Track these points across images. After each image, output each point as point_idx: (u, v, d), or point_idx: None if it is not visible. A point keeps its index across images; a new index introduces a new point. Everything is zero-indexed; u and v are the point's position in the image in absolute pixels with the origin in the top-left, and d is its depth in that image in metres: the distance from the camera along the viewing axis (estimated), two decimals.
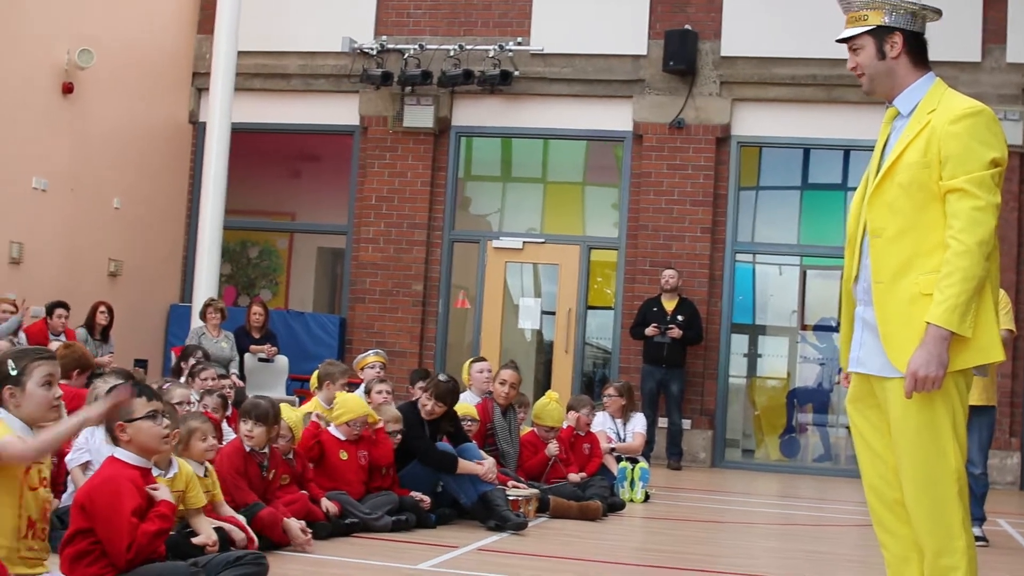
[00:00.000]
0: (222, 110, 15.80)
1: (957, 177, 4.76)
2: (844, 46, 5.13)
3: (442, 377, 10.03)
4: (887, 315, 4.88)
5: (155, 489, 5.62)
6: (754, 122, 17.16)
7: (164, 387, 8.93)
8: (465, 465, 9.57)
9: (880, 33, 5.03)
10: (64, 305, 14.40)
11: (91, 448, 7.31)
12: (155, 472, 5.97)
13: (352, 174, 18.32)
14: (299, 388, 15.32)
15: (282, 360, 15.65)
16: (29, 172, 15.50)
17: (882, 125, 5.18)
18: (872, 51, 5.05)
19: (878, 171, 5.04)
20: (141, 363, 16.35)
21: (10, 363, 5.13)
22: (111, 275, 16.96)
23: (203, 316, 14.97)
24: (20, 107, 15.23)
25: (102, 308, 15.14)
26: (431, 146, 17.90)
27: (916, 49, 5.06)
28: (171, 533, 5.85)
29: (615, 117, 17.47)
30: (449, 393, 9.86)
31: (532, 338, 18.20)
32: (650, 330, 16.18)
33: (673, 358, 16.21)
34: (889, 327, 4.87)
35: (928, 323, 4.71)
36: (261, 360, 15.38)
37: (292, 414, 8.73)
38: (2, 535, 4.88)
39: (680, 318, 16.26)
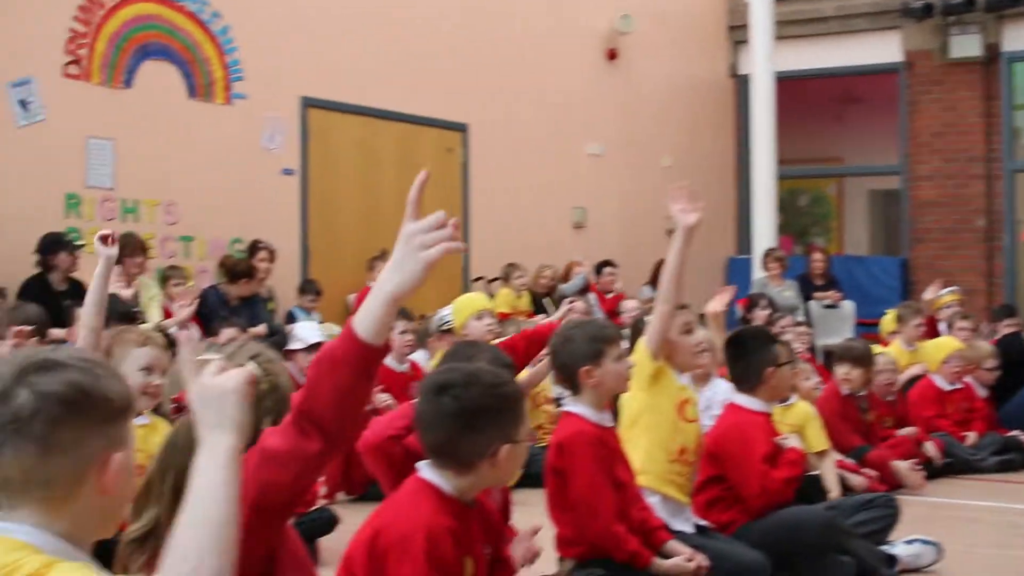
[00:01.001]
0: (764, 61, 15.70)
1: None
2: None
3: None
4: None
5: (784, 439, 5.58)
6: None
7: None
8: None
9: None
10: (611, 263, 14.75)
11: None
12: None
13: (901, 112, 17.78)
14: (866, 333, 15.04)
15: (847, 305, 15.40)
16: (583, 139, 15.92)
17: None
18: None
19: None
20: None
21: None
22: (668, 232, 17.13)
23: (764, 266, 14.97)
24: (570, 77, 15.65)
25: (664, 263, 15.38)
26: (981, 75, 17.14)
27: None
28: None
29: None
30: None
31: None
32: None
33: None
34: None
35: None
36: (826, 307, 15.21)
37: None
38: (656, 458, 4.99)
39: None
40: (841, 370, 7.92)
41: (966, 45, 17.04)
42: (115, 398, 2.16)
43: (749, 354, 5.59)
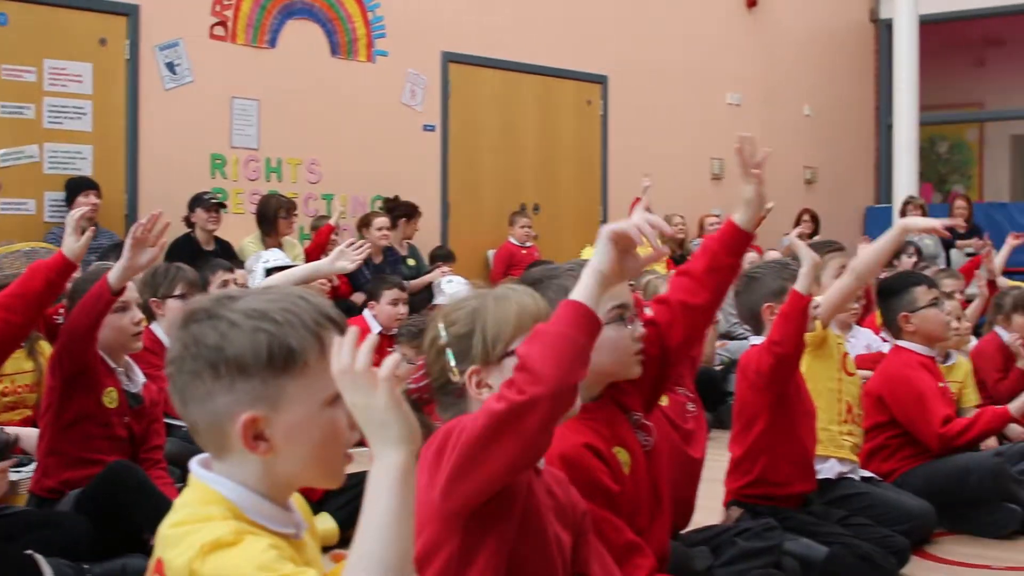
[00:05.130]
0: (908, 4, 15.48)
1: None
2: None
3: None
4: None
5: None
6: None
7: None
8: None
9: None
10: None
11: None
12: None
13: None
14: (1014, 280, 14.77)
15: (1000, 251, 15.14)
16: (722, 88, 15.81)
17: None
18: None
19: None
20: None
21: None
22: (807, 182, 17.03)
23: (903, 215, 14.77)
24: (708, 25, 15.52)
25: (805, 216, 15.32)
26: None
27: None
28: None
29: None
30: None
31: None
32: None
33: None
34: None
35: None
36: (968, 255, 14.96)
37: None
38: (825, 419, 4.95)
39: None
40: (1019, 319, 7.75)
41: None
42: (246, 354, 2.03)
43: (888, 299, 5.55)
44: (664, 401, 4.14)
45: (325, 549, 4.21)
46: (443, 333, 2.73)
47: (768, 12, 16.36)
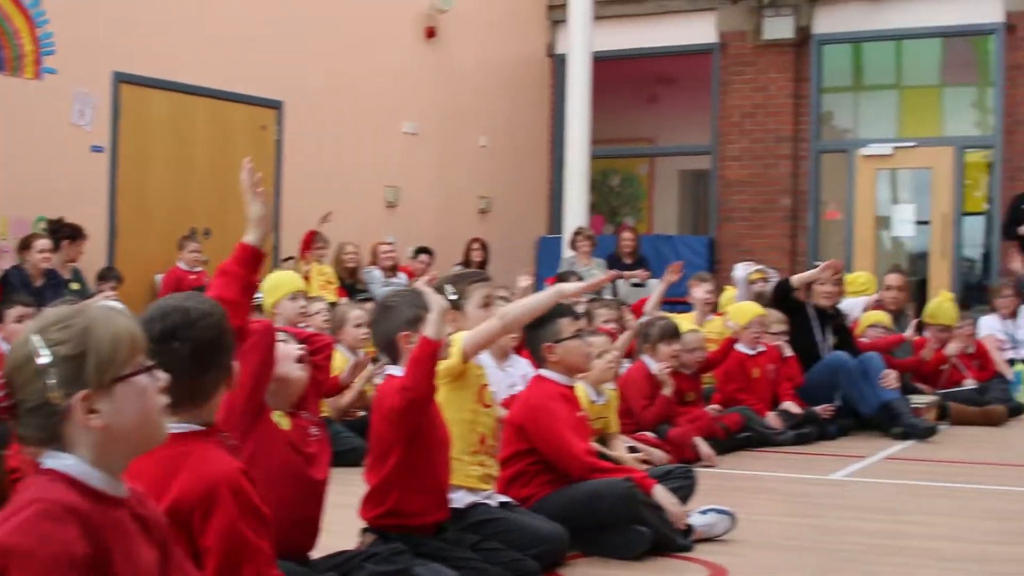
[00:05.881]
0: (582, 40, 15.97)
1: None
2: None
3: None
4: None
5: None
6: None
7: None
8: None
9: None
10: (427, 251, 14.87)
11: (489, 378, 7.48)
12: (593, 398, 6.13)
13: (713, 93, 18.13)
14: (670, 311, 15.34)
15: (654, 284, 15.70)
16: (399, 117, 15.96)
17: None
18: None
19: None
20: None
21: (448, 288, 5.29)
22: (481, 212, 17.33)
23: (573, 245, 15.21)
24: (386, 55, 15.65)
25: (475, 244, 15.58)
26: (792, 57, 17.57)
27: None
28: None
29: (982, 9, 16.69)
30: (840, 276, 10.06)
31: (900, 248, 17.75)
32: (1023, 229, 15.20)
33: None
34: None
35: None
36: (634, 285, 15.48)
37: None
38: (457, 449, 5.02)
39: None
40: (662, 347, 8.09)
41: (779, 27, 17.45)
42: None
43: (534, 329, 5.70)
44: (286, 425, 4.19)
45: None
46: (44, 352, 2.56)
47: (447, 44, 16.60)
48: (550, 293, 5.16)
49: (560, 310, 5.73)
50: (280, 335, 4.19)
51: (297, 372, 4.25)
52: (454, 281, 5.42)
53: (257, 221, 3.73)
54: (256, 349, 3.95)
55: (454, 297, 5.26)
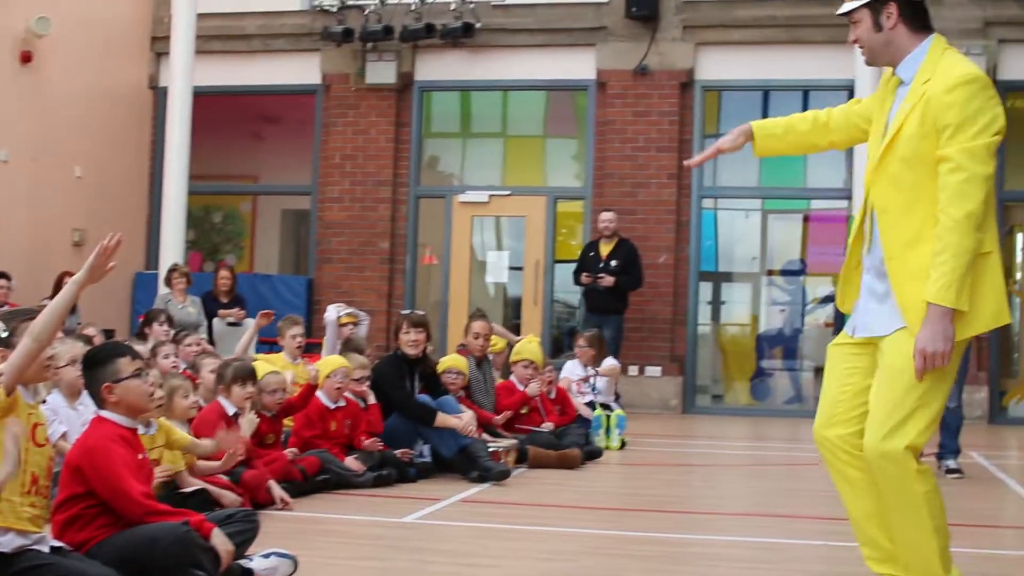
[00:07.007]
0: (184, 74, 15.77)
1: (951, 147, 4.81)
2: None
3: (408, 311, 10.32)
4: (902, 289, 4.99)
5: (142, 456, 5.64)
6: (717, 66, 17.18)
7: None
8: (444, 419, 9.59)
9: (876, 5, 5.06)
10: (5, 276, 14.34)
11: (61, 417, 7.30)
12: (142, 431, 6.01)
13: (316, 134, 18.26)
14: (268, 351, 15.29)
15: (250, 323, 15.61)
16: None
17: (882, 90, 5.21)
18: (869, 24, 5.10)
19: (880, 142, 5.08)
20: (108, 332, 16.28)
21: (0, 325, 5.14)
22: (76, 244, 16.87)
23: (168, 282, 14.98)
24: None
25: (67, 278, 15.09)
26: (394, 102, 17.86)
27: (913, 16, 5.08)
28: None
29: (578, 66, 17.45)
30: (424, 321, 10.01)
31: (499, 293, 18.23)
32: (583, 278, 15.81)
33: (606, 305, 15.77)
34: (905, 300, 4.97)
35: (928, 302, 4.79)
36: (230, 324, 15.33)
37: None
38: (8, 489, 4.86)
39: (614, 263, 15.80)
40: (236, 389, 8.05)
41: (382, 72, 17.72)
42: None
43: (92, 369, 5.59)
44: None
45: None
46: None
47: (42, 70, 16.14)
48: (69, 287, 5.06)
49: (119, 349, 5.64)
50: None
51: None
52: (6, 318, 5.27)
53: None
54: None
55: (4, 334, 5.12)
